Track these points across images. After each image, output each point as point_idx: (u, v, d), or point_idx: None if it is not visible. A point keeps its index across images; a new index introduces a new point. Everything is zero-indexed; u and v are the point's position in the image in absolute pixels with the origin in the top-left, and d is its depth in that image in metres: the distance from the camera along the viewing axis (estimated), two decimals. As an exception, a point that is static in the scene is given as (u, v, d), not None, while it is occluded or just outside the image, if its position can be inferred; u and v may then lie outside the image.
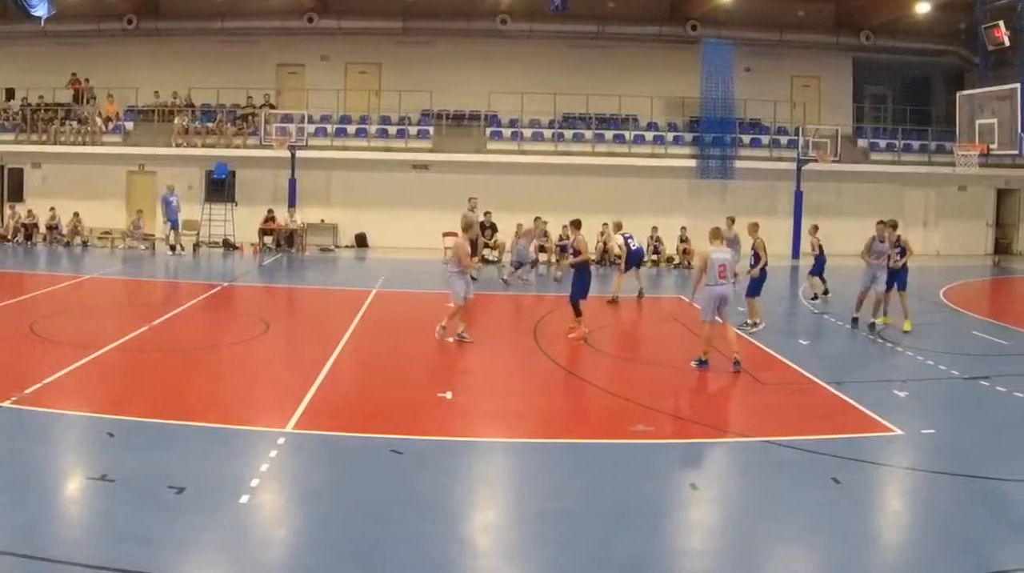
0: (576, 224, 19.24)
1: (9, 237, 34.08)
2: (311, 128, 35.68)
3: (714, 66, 36.15)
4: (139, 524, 8.72)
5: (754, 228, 20.74)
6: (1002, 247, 41.98)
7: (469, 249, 19.05)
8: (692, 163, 37.01)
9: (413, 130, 37.20)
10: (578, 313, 18.24)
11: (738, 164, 36.89)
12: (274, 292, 26.56)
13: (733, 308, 17.06)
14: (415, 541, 8.80)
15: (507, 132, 37.25)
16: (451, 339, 17.64)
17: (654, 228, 33.70)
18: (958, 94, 31.90)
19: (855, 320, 20.87)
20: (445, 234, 30.86)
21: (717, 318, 16.30)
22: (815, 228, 24.52)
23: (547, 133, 37.43)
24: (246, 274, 28.57)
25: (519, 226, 29.46)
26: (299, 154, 35.04)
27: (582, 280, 18.51)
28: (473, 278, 25.72)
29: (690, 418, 13.97)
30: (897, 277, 20.33)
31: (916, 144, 39.66)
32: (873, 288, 20.62)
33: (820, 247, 23.94)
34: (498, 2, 36.93)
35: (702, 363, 15.87)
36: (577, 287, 18.59)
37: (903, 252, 20.31)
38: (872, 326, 20.37)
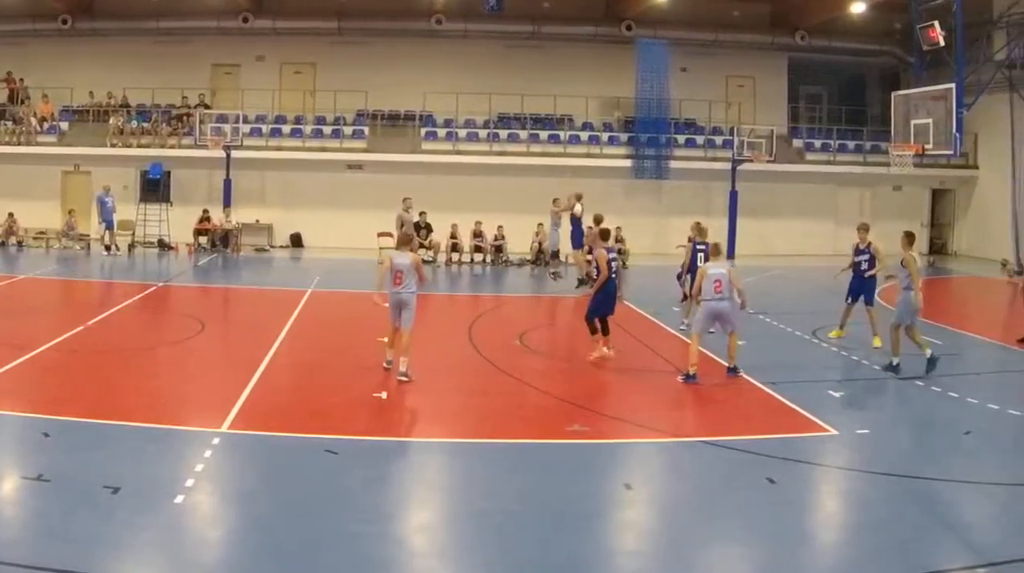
0: (604, 235, 18.03)
1: (-57, 238, 34.87)
2: (246, 128, 36.74)
3: (649, 66, 37.49)
4: (74, 524, 9.00)
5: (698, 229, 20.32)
6: (937, 247, 43.43)
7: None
8: (627, 163, 38.44)
9: (348, 130, 38.39)
10: (594, 331, 17.25)
11: (673, 164, 38.22)
12: (209, 292, 27.44)
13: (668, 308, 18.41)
14: (351, 541, 9.14)
15: (442, 132, 38.55)
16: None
17: (589, 228, 34.19)
18: (893, 94, 33.73)
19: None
20: (380, 234, 32.01)
21: (711, 332, 16.75)
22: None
23: (482, 133, 38.78)
24: (181, 274, 29.37)
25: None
26: (234, 154, 36.00)
27: (600, 294, 17.10)
28: None
29: (626, 418, 14.20)
30: (864, 289, 19.51)
31: (851, 144, 41.23)
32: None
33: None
34: (433, 2, 38.18)
35: (689, 378, 15.61)
36: (593, 302, 17.29)
37: (872, 261, 19.45)
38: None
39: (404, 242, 16.47)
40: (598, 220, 21.70)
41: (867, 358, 18.60)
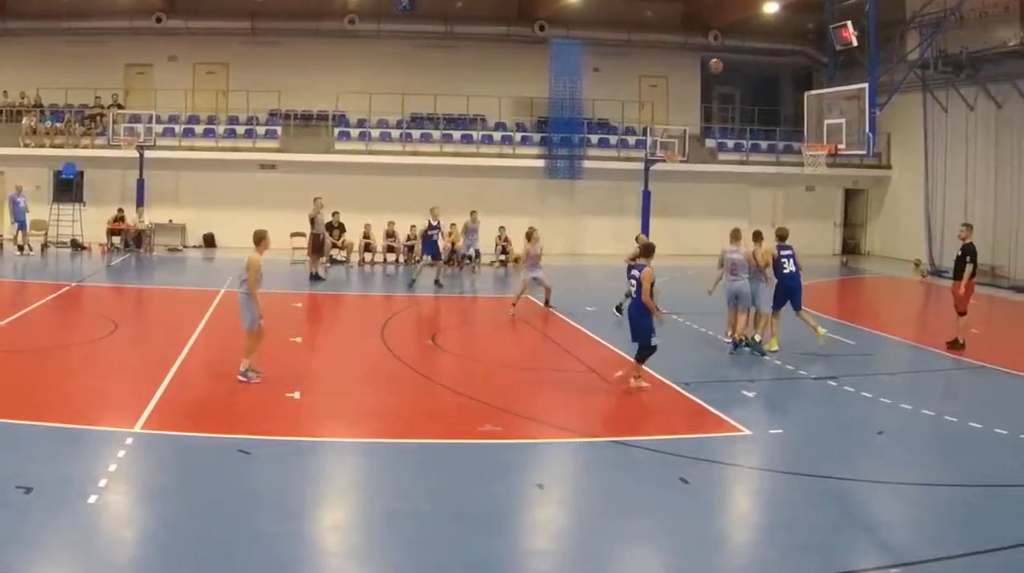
0: (647, 251, 17.15)
1: None
2: (159, 128, 38.21)
3: (562, 66, 39.17)
4: (-13, 524, 9.32)
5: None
6: (850, 247, 45.59)
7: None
8: (540, 163, 40.25)
9: (261, 130, 40.08)
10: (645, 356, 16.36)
11: (586, 164, 40.13)
12: (123, 292, 28.33)
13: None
14: (263, 541, 9.49)
15: (355, 132, 40.40)
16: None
17: (501, 228, 36.67)
18: (806, 94, 34.68)
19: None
20: (293, 234, 33.36)
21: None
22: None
23: (395, 133, 40.72)
24: (94, 274, 30.31)
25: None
26: (147, 154, 37.21)
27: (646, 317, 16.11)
28: (320, 277, 29.47)
29: (539, 418, 14.76)
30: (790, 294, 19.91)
31: (764, 144, 43.45)
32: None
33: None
34: (346, 3, 39.91)
35: (745, 345, 19.09)
36: (643, 326, 16.21)
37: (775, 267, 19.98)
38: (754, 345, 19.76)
39: (256, 240, 16.01)
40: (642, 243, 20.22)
41: (780, 358, 19.30)
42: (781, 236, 20.44)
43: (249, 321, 15.80)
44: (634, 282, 16.44)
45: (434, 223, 29.44)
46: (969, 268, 20.81)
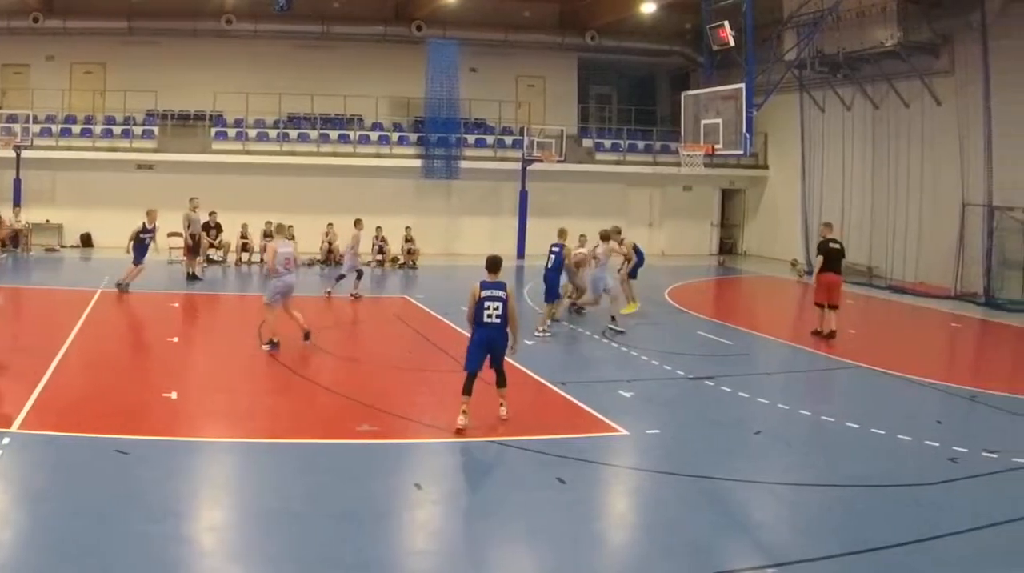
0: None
1: None
2: (36, 128, 39.60)
3: (439, 66, 41.83)
4: None
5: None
6: (727, 247, 48.83)
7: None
8: (417, 163, 42.95)
9: (138, 130, 41.99)
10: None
11: (463, 164, 42.85)
12: None
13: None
14: (140, 541, 9.82)
15: (232, 132, 42.54)
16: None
17: (378, 228, 38.77)
18: (683, 94, 35.88)
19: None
20: (170, 234, 35.00)
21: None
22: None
23: (272, 133, 42.93)
24: None
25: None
26: (24, 154, 38.85)
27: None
28: (197, 277, 31.39)
29: (416, 418, 15.33)
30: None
31: (641, 144, 46.36)
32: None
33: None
34: (223, 3, 41.82)
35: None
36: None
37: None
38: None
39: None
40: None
41: (657, 358, 20.42)
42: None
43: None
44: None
45: (149, 226, 29.76)
46: (819, 261, 23.82)
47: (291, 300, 20.90)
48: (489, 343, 15.03)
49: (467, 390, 14.87)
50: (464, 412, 14.77)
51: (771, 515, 11.85)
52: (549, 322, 23.31)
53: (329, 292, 29.34)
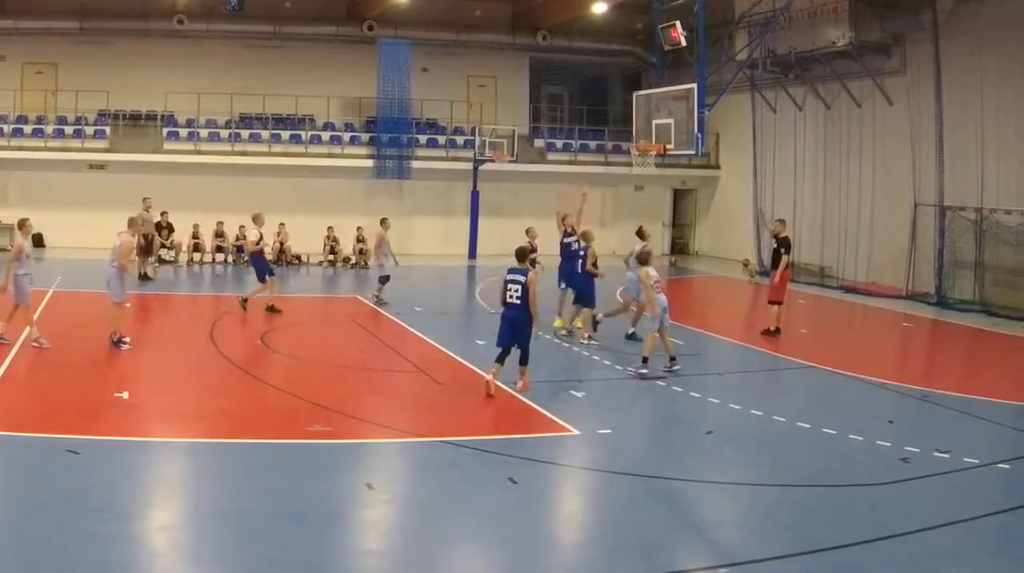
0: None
1: None
2: None
3: (391, 66, 42.51)
4: None
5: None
6: (679, 247, 49.51)
7: (133, 246, 21.02)
8: (369, 163, 43.66)
9: (90, 130, 42.43)
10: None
11: (415, 164, 43.61)
12: None
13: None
14: (92, 541, 9.89)
15: (184, 132, 43.20)
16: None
17: (330, 228, 39.79)
18: (635, 94, 36.05)
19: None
20: (120, 234, 34.52)
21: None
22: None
23: (224, 133, 43.62)
24: None
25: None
26: None
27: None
28: (149, 277, 31.63)
29: (368, 418, 15.58)
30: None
31: (593, 144, 47.21)
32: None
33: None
34: (175, 3, 42.38)
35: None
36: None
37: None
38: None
39: (19, 226, 18.68)
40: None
41: (609, 358, 20.79)
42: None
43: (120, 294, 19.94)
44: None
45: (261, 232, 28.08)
46: (785, 259, 24.34)
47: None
48: (512, 322, 17.39)
49: (498, 359, 17.44)
50: (494, 374, 17.31)
51: (723, 514, 12.09)
52: (591, 324, 23.59)
53: (376, 296, 29.02)
